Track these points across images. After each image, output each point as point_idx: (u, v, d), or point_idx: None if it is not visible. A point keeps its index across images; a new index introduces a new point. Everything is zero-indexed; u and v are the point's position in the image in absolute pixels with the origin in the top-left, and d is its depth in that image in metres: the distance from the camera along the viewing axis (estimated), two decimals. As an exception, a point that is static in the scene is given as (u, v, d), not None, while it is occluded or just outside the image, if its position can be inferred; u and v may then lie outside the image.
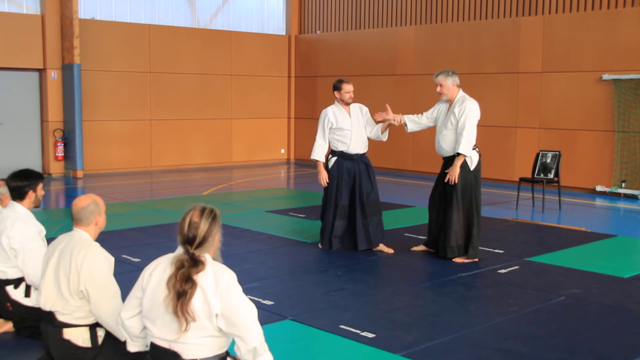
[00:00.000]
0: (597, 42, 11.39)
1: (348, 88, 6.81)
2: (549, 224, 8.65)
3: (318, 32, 16.40)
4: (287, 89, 16.71)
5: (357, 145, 6.87)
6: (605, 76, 11.17)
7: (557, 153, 9.77)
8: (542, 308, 5.10)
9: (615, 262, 6.59)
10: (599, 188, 11.45)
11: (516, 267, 6.30)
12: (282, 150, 16.76)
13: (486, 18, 13.15)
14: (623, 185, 11.16)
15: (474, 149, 6.42)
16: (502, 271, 6.15)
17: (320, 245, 7.03)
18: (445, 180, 6.44)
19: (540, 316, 4.92)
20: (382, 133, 6.90)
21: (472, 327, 4.66)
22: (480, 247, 7.03)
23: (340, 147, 6.87)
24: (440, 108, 6.68)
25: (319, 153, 6.91)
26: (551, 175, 9.69)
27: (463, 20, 13.49)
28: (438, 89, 6.49)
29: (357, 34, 15.38)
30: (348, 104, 6.88)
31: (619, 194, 11.28)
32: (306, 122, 16.05)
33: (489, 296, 5.42)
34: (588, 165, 11.61)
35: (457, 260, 6.44)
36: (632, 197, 11.05)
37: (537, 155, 9.95)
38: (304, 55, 16.55)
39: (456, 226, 6.41)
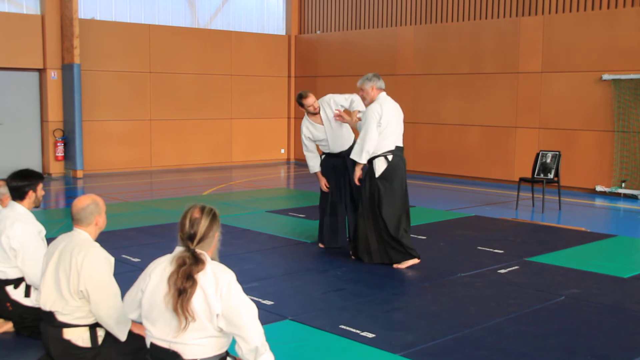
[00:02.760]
0: (597, 42, 11.39)
1: (308, 102, 6.87)
2: (549, 224, 8.65)
3: (318, 32, 16.40)
4: (287, 89, 16.72)
5: (337, 145, 6.94)
6: (605, 76, 11.17)
7: (557, 153, 9.77)
8: (542, 308, 5.10)
9: (615, 262, 6.59)
10: (599, 188, 11.45)
11: (516, 267, 6.29)
12: (282, 150, 16.76)
13: (486, 18, 13.14)
14: (623, 185, 11.16)
15: (383, 155, 6.14)
16: (502, 271, 6.15)
17: (320, 245, 7.04)
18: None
19: (540, 316, 4.92)
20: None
21: (472, 327, 4.66)
22: (479, 247, 7.04)
23: (325, 150, 7.06)
24: None
25: (313, 166, 7.06)
26: (551, 175, 9.69)
27: (463, 20, 13.49)
28: (360, 93, 6.35)
29: (357, 34, 15.38)
30: (316, 114, 6.93)
31: (619, 194, 11.28)
32: (306, 122, 16.04)
33: (489, 296, 5.42)
34: (588, 165, 11.62)
35: (395, 266, 6.23)
36: (632, 197, 11.05)
37: (537, 155, 9.95)
38: (304, 55, 16.55)
39: (362, 233, 6.26)
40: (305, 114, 7.03)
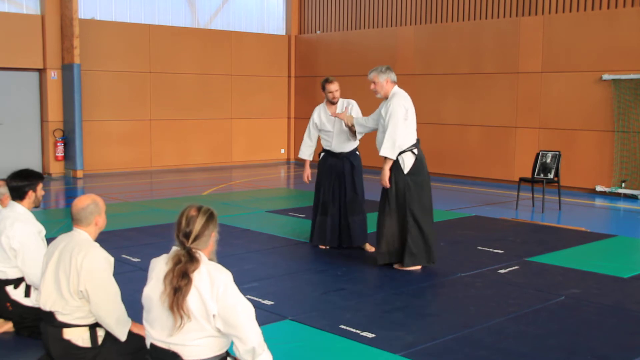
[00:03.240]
0: (597, 42, 11.39)
1: (330, 88, 6.85)
2: (549, 224, 8.65)
3: (318, 32, 16.40)
4: (287, 89, 16.71)
5: (339, 145, 6.95)
6: (605, 76, 11.17)
7: (557, 153, 9.77)
8: (542, 308, 5.10)
9: (615, 262, 6.59)
10: (599, 188, 11.45)
11: (516, 267, 6.29)
12: (282, 150, 16.76)
13: (486, 18, 13.14)
14: (623, 185, 11.16)
15: (409, 149, 6.02)
16: (502, 271, 6.15)
17: (321, 246, 7.03)
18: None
19: (540, 316, 4.92)
20: (351, 136, 6.87)
21: (472, 327, 4.66)
22: (479, 247, 7.05)
23: (326, 146, 7.04)
24: (380, 108, 6.33)
25: (304, 151, 7.15)
26: (551, 175, 9.69)
27: (463, 20, 13.49)
28: (372, 86, 6.21)
29: (357, 34, 15.38)
30: (334, 103, 6.93)
31: (619, 194, 11.28)
32: (306, 122, 15.90)
33: (489, 296, 5.42)
34: (588, 165, 11.61)
35: (397, 266, 6.18)
36: (632, 197, 11.05)
37: (537, 155, 9.94)
38: (304, 55, 16.54)
39: (387, 232, 6.11)
40: (325, 101, 7.01)
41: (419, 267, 6.19)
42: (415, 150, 6.07)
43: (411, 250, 6.05)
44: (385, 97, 6.19)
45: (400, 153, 6.01)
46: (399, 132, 5.93)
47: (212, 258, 3.01)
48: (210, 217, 2.96)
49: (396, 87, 6.21)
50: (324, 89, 6.91)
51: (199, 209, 2.96)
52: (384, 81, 6.16)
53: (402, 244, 6.10)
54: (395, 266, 6.21)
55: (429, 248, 6.10)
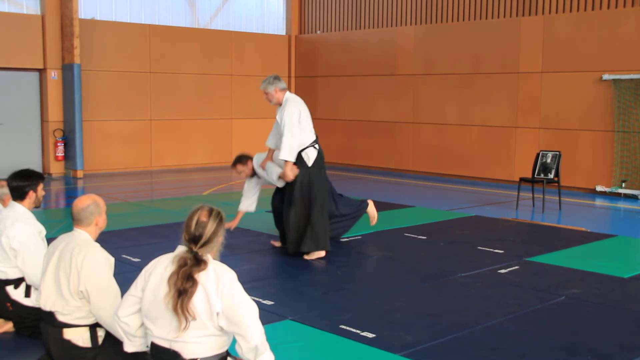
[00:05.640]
0: (597, 42, 11.39)
1: (239, 169, 7.03)
2: (549, 224, 8.65)
3: (318, 32, 16.40)
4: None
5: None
6: (605, 76, 11.17)
7: (557, 153, 9.77)
8: (542, 308, 5.10)
9: (615, 262, 6.59)
10: (599, 188, 11.45)
11: (516, 267, 6.29)
12: (282, 150, 16.74)
13: (486, 18, 13.14)
14: (623, 185, 11.16)
15: (311, 145, 6.48)
16: (502, 271, 6.15)
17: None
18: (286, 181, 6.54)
19: (540, 316, 4.92)
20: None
21: (472, 327, 4.66)
22: (479, 247, 7.05)
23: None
24: (277, 115, 6.75)
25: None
26: (551, 175, 9.69)
27: (463, 20, 13.49)
28: (265, 96, 6.61)
29: (357, 34, 15.38)
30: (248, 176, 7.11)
31: (619, 194, 11.28)
32: (306, 122, 16.03)
33: (489, 296, 5.42)
34: (588, 165, 11.62)
35: (307, 257, 6.50)
36: (632, 197, 11.05)
37: (537, 155, 9.95)
38: (304, 55, 16.54)
39: (294, 223, 6.46)
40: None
41: (322, 253, 6.47)
42: (317, 146, 6.53)
43: (310, 235, 6.39)
44: (279, 104, 6.59)
45: (303, 150, 6.43)
46: (295, 137, 6.35)
47: (216, 258, 3.02)
48: (220, 221, 2.96)
49: (288, 93, 6.58)
50: (234, 167, 7.05)
51: (210, 213, 2.94)
52: (274, 91, 6.56)
53: (303, 232, 6.44)
54: (305, 257, 6.46)
55: (317, 236, 6.42)
